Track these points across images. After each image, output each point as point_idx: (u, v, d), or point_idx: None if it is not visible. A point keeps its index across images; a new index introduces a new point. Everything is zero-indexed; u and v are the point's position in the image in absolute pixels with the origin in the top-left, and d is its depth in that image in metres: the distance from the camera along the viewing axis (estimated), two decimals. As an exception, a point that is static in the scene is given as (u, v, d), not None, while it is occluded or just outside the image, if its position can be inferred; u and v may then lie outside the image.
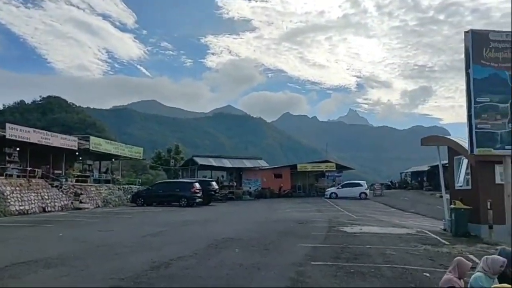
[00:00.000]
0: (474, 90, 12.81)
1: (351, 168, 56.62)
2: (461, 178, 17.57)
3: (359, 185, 43.11)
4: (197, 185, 31.89)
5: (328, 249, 12.71)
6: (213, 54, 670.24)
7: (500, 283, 5.96)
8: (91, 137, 33.53)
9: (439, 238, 15.34)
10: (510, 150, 12.90)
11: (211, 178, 43.52)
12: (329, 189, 43.96)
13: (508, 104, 12.81)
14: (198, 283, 8.37)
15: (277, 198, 43.78)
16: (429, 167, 47.43)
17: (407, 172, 58.96)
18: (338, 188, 43.18)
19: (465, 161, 16.99)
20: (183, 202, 30.79)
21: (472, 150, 13.03)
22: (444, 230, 17.55)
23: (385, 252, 12.22)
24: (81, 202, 28.81)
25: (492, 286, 4.92)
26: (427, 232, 17.21)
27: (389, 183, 57.61)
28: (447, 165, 19.22)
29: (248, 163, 49.50)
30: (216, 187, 36.21)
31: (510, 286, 4.94)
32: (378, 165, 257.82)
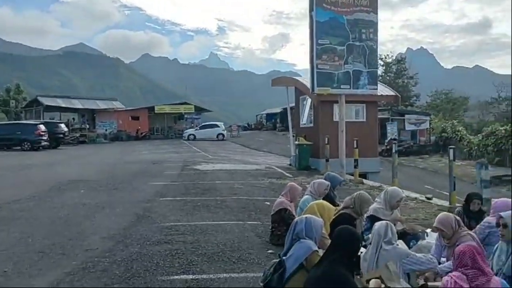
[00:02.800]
0: (316, 32, 13.58)
1: (209, 110, 57.23)
2: (305, 116, 18.97)
3: (216, 126, 43.88)
4: (41, 127, 29.15)
5: (178, 186, 12.84)
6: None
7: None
8: None
9: (284, 172, 16.54)
10: (345, 90, 14.17)
11: (59, 120, 40.19)
12: (187, 130, 44.02)
13: (345, 47, 13.91)
14: (33, 224, 7.79)
15: (135, 141, 42.50)
16: (282, 109, 50.11)
17: (262, 114, 61.76)
18: (196, 129, 43.44)
19: (309, 100, 18.29)
20: (26, 146, 28.05)
21: (313, 89, 13.99)
22: (290, 165, 18.96)
23: (233, 186, 12.78)
24: None
25: (312, 202, 5.43)
26: (274, 167, 18.42)
27: (246, 125, 59.93)
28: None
29: (102, 104, 46.70)
30: (65, 129, 33.60)
31: (327, 202, 5.48)
32: (238, 108, 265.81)
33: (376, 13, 14.39)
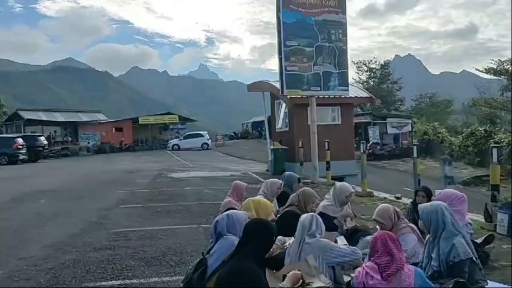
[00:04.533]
0: (283, 33, 13.42)
1: (194, 120, 56.73)
2: (281, 121, 18.76)
3: (200, 135, 43.47)
4: (20, 140, 28.65)
5: (146, 193, 12.51)
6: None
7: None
8: None
9: (258, 177, 16.24)
10: (315, 91, 13.98)
11: (42, 133, 39.64)
12: (171, 141, 43.57)
13: (313, 48, 13.75)
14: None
15: (118, 153, 42.01)
16: (268, 117, 49.85)
17: (248, 122, 61.38)
18: (180, 139, 43.02)
19: (284, 105, 18.08)
20: (3, 160, 27.51)
21: (282, 91, 13.79)
22: (267, 170, 18.70)
23: (201, 192, 12.48)
24: None
25: (248, 199, 5.13)
26: (251, 173, 18.14)
27: (233, 134, 59.54)
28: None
29: (85, 117, 46.05)
30: (45, 142, 33.01)
31: (264, 199, 5.21)
32: (228, 118, 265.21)
33: (345, 14, 14.29)
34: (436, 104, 48.93)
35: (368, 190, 11.49)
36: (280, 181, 7.04)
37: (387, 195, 11.32)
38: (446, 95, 55.27)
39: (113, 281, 4.86)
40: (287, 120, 18.26)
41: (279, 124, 18.97)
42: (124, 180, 16.24)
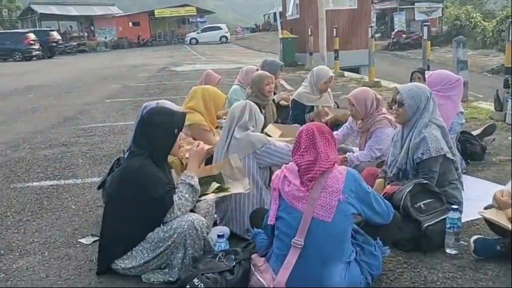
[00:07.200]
0: None
1: (212, 11, 54.00)
2: (291, 7, 17.19)
3: (219, 28, 41.52)
4: (31, 35, 27.78)
5: (140, 87, 11.89)
6: None
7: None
8: None
9: (265, 69, 15.24)
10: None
11: (58, 29, 38.72)
12: (189, 34, 41.93)
13: None
14: None
15: (136, 48, 40.99)
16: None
17: (269, 13, 58.10)
18: (198, 33, 41.36)
19: (295, -12, 16.40)
20: (17, 56, 27.06)
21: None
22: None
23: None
24: None
25: (197, 87, 4.27)
26: (258, 66, 17.08)
27: (254, 26, 56.88)
28: None
29: (98, 10, 44.29)
30: (58, 37, 32.12)
31: (216, 88, 4.32)
32: (253, 10, 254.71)
33: None
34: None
35: (376, 79, 10.41)
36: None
37: (397, 85, 10.25)
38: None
39: (46, 181, 4.33)
40: (298, 6, 16.64)
41: (289, 11, 17.40)
42: (125, 74, 15.62)
